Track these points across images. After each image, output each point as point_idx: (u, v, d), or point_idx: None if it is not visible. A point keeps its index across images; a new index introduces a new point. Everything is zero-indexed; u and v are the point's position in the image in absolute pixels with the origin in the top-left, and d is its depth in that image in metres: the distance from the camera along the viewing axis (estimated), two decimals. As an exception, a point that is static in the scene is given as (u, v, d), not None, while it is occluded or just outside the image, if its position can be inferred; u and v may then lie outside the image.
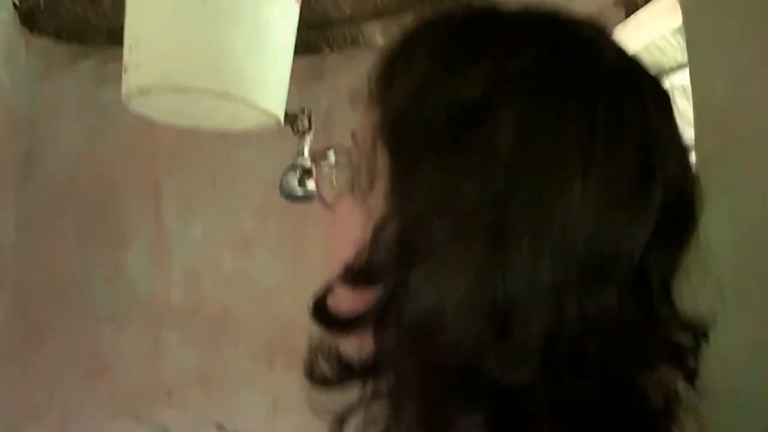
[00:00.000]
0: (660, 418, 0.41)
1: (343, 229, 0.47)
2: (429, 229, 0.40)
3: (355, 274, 0.43)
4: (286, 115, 1.49)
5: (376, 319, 0.42)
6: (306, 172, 1.69)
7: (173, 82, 1.25)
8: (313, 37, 2.47)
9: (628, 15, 1.32)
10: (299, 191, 1.69)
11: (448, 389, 0.39)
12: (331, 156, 0.51)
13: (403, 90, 0.43)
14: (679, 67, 2.02)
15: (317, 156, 0.52)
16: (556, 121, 0.40)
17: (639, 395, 0.40)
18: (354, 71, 2.37)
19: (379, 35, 2.56)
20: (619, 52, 0.45)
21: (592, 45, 0.44)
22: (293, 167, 1.68)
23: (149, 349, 2.38)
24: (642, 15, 1.30)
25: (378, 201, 0.44)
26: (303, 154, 1.68)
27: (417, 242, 0.40)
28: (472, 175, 0.39)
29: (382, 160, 0.44)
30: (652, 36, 1.49)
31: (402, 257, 0.40)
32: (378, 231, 0.42)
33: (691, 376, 0.43)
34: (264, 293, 2.38)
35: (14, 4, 2.23)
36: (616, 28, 1.36)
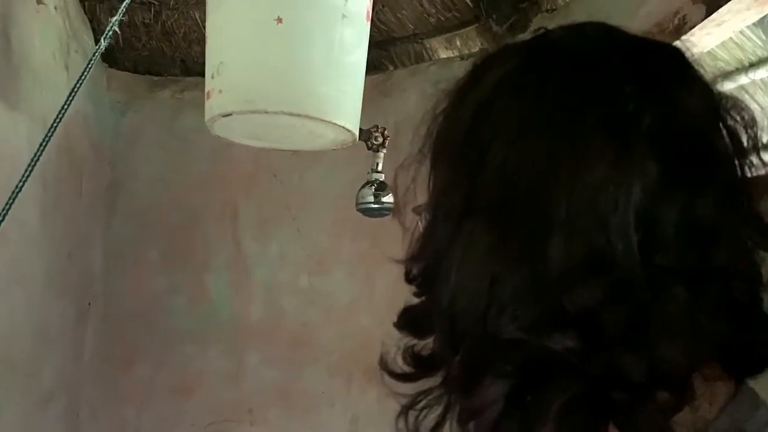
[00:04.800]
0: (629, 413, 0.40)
1: None
2: (436, 230, 0.47)
3: (407, 281, 0.50)
4: (361, 131, 1.51)
5: (420, 316, 0.49)
6: (380, 187, 1.71)
7: (255, 106, 1.29)
8: (378, 55, 2.51)
9: (709, 12, 1.28)
10: (374, 205, 1.71)
11: (476, 358, 0.44)
12: None
13: (437, 127, 0.51)
14: (760, 62, 1.95)
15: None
16: (521, 113, 0.45)
17: (627, 367, 0.40)
18: (419, 86, 2.39)
19: (443, 50, 2.58)
20: (599, 39, 0.49)
21: (563, 41, 0.49)
22: (368, 182, 1.70)
23: (231, 368, 2.43)
24: (723, 11, 1.27)
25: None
26: (377, 169, 1.70)
27: (432, 243, 0.47)
28: (458, 179, 0.46)
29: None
30: (731, 32, 1.44)
31: (424, 258, 0.48)
32: (411, 239, 0.50)
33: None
34: (340, 310, 2.41)
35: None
36: (696, 26, 1.33)
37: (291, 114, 1.30)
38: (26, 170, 1.27)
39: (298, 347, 2.41)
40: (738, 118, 0.46)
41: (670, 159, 0.41)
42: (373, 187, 1.69)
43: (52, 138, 1.30)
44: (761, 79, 2.06)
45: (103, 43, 1.10)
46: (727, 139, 0.45)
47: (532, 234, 0.41)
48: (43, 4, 1.87)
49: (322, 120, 1.32)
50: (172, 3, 2.35)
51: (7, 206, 1.24)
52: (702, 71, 0.47)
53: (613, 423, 0.40)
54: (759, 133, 0.45)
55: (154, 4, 2.35)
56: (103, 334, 2.39)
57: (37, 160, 1.29)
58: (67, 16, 2.08)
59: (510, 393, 0.42)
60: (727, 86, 2.10)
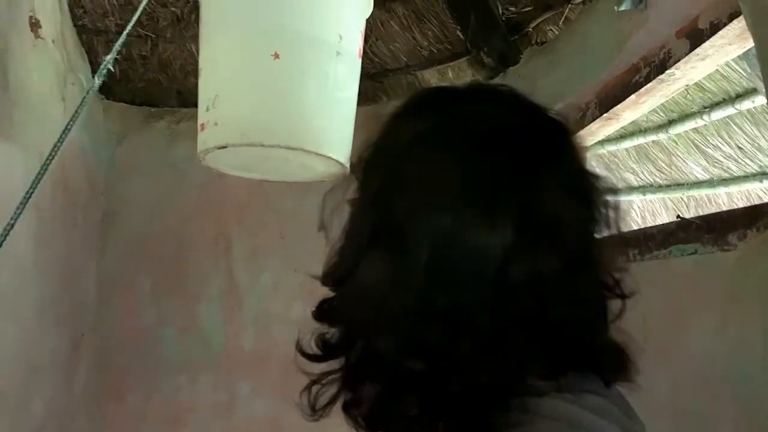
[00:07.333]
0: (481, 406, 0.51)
1: None
2: (348, 251, 0.59)
3: (322, 284, 0.63)
4: (352, 163, 1.53)
5: (331, 311, 0.60)
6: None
7: (250, 139, 1.31)
8: (371, 86, 2.54)
9: (693, 46, 1.31)
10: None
11: (361, 365, 0.57)
12: None
13: (361, 170, 0.62)
14: (746, 93, 1.99)
15: None
16: (423, 177, 0.55)
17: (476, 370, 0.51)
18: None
19: (435, 81, 2.61)
20: (499, 118, 0.58)
21: (467, 115, 0.58)
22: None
23: (223, 399, 2.41)
24: (707, 45, 1.30)
25: None
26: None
27: (344, 261, 0.59)
28: (358, 210, 0.59)
29: None
30: (716, 65, 1.47)
31: (338, 271, 0.60)
32: (330, 251, 0.62)
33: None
34: (333, 340, 2.40)
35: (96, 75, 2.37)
36: (681, 60, 1.36)
37: (287, 147, 1.31)
38: (21, 202, 1.28)
39: (290, 378, 2.38)
40: (599, 195, 0.57)
41: (527, 231, 0.51)
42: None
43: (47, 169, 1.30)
44: (747, 110, 2.10)
45: (98, 81, 1.12)
46: (581, 210, 0.55)
47: (413, 276, 0.52)
48: (41, 37, 1.90)
49: (317, 153, 1.33)
50: (168, 35, 2.39)
51: (2, 238, 1.24)
52: (580, 152, 0.58)
53: (443, 422, 0.52)
54: (615, 209, 0.57)
55: (150, 36, 2.38)
56: (94, 365, 2.37)
57: (33, 192, 1.29)
58: (64, 48, 2.10)
59: (379, 394, 0.55)
60: (715, 116, 2.15)
